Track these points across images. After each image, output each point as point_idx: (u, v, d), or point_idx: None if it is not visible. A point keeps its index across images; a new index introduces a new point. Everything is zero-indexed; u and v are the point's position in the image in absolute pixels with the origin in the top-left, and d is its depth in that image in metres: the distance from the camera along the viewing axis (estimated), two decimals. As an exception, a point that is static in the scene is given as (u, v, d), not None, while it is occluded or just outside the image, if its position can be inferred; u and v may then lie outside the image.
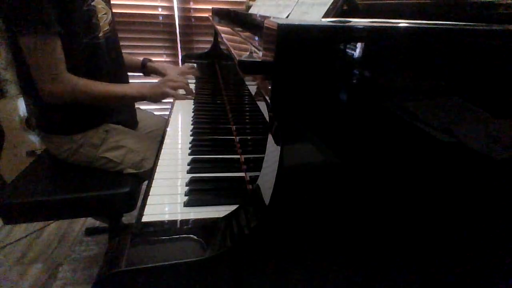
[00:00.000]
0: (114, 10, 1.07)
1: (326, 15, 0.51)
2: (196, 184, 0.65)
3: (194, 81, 1.46)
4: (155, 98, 1.00)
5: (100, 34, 0.92)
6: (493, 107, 0.43)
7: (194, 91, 1.15)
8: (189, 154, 0.78)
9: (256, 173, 0.51)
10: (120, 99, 0.94)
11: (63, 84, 0.82)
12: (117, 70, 1.03)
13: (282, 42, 0.35)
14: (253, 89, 0.71)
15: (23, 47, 0.77)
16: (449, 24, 0.39)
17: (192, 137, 0.88)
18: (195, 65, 1.53)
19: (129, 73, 1.17)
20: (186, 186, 0.64)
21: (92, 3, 0.88)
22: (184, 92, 1.12)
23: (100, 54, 0.93)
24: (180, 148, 0.83)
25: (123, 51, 1.11)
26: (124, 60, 1.22)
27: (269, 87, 0.37)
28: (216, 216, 0.53)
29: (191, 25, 2.00)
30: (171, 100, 1.14)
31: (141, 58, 1.28)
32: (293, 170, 0.40)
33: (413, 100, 0.40)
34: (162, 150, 0.81)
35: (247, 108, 0.91)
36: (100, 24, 0.92)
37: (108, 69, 0.97)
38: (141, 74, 1.29)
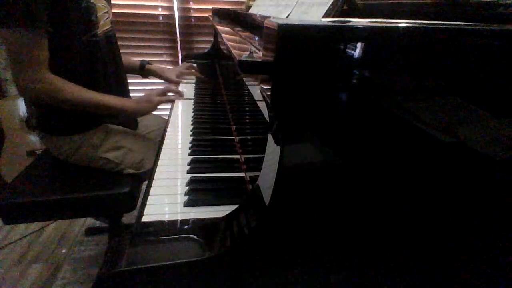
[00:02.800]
0: (114, 10, 1.07)
1: (326, 15, 0.51)
2: (196, 184, 0.65)
3: (194, 81, 1.46)
4: (137, 113, 0.98)
5: (100, 32, 0.92)
6: (493, 107, 0.43)
7: (183, 93, 1.13)
8: (189, 154, 0.78)
9: (256, 173, 0.51)
10: (99, 108, 0.89)
11: (41, 85, 0.79)
12: (116, 70, 1.03)
13: (282, 42, 0.35)
14: (252, 89, 0.71)
15: (5, 39, 0.74)
16: (449, 24, 0.39)
17: (192, 137, 0.88)
18: (194, 64, 1.52)
19: (127, 75, 1.16)
20: (186, 186, 0.64)
21: (92, 0, 0.88)
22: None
23: (99, 52, 0.93)
24: (180, 148, 0.83)
25: (123, 51, 1.11)
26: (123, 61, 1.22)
27: (269, 87, 0.37)
28: (216, 216, 0.53)
29: (191, 25, 2.00)
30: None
31: (139, 60, 1.27)
32: (293, 170, 0.40)
33: (413, 100, 0.40)
34: (162, 150, 0.81)
35: (247, 108, 0.91)
36: (101, 22, 0.92)
37: (106, 68, 0.96)
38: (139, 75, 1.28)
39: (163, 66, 1.47)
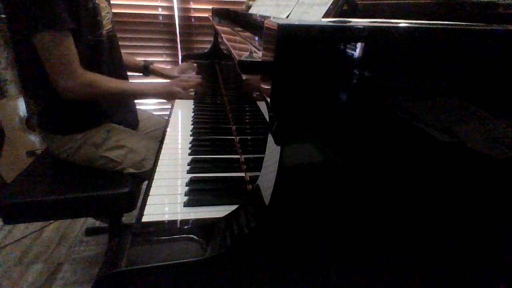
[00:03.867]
0: (114, 10, 1.08)
1: (326, 15, 0.51)
2: (196, 184, 0.65)
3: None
4: (168, 96, 1.03)
5: (103, 32, 0.93)
6: (493, 107, 0.43)
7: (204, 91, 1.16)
8: (189, 154, 0.78)
9: (256, 173, 0.51)
10: (135, 95, 0.97)
11: (80, 80, 0.83)
12: (118, 68, 1.04)
13: (282, 42, 0.35)
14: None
15: (37, 44, 0.77)
16: (449, 24, 0.39)
17: (192, 137, 0.88)
18: (193, 63, 1.53)
19: (129, 73, 1.19)
20: (186, 186, 0.64)
21: (96, 1, 0.89)
22: (195, 92, 1.14)
23: (103, 51, 0.94)
24: (180, 148, 0.83)
25: (124, 51, 1.12)
26: (125, 59, 1.24)
27: (269, 87, 0.37)
28: (216, 216, 0.53)
29: (191, 25, 1.99)
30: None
31: (142, 60, 1.32)
32: (293, 170, 0.40)
33: (413, 100, 0.40)
34: (162, 150, 0.81)
35: (247, 108, 0.91)
36: (103, 22, 0.93)
37: (109, 66, 0.97)
38: (140, 74, 1.33)
39: (164, 67, 1.52)
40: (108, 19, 0.97)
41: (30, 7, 0.73)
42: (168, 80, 1.07)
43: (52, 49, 0.77)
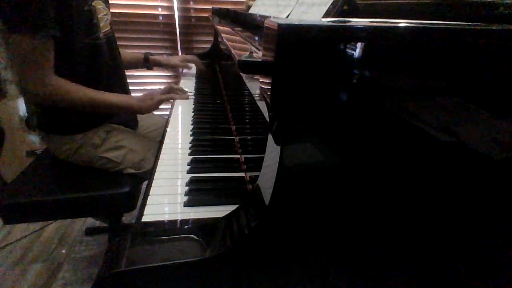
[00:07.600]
0: (114, 10, 1.08)
1: (326, 15, 0.51)
2: (196, 184, 0.65)
3: (194, 80, 1.46)
4: (143, 110, 0.99)
5: (101, 34, 0.93)
6: (493, 107, 0.43)
7: (187, 91, 1.14)
8: (189, 154, 0.78)
9: (256, 173, 0.51)
10: (104, 106, 0.91)
11: (46, 87, 0.80)
12: (116, 70, 1.04)
13: (282, 42, 0.35)
14: (252, 88, 0.71)
15: (13, 44, 0.76)
16: (449, 24, 0.39)
17: (192, 137, 0.88)
18: (197, 59, 1.51)
19: (133, 69, 1.17)
20: (186, 186, 0.64)
21: (92, 4, 0.89)
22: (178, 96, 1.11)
23: (101, 54, 0.93)
24: (180, 148, 0.83)
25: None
26: (126, 56, 1.23)
27: (269, 87, 0.37)
28: (216, 216, 0.53)
29: (191, 25, 2.00)
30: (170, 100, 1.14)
31: (142, 53, 1.31)
32: (293, 170, 0.40)
33: (413, 100, 0.40)
34: (162, 150, 0.81)
35: (247, 108, 0.91)
36: (101, 24, 0.93)
37: (107, 69, 0.97)
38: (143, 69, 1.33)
39: (166, 55, 1.50)
40: (106, 21, 0.97)
41: (12, 6, 0.72)
42: (149, 90, 1.02)
43: (26, 53, 0.76)
